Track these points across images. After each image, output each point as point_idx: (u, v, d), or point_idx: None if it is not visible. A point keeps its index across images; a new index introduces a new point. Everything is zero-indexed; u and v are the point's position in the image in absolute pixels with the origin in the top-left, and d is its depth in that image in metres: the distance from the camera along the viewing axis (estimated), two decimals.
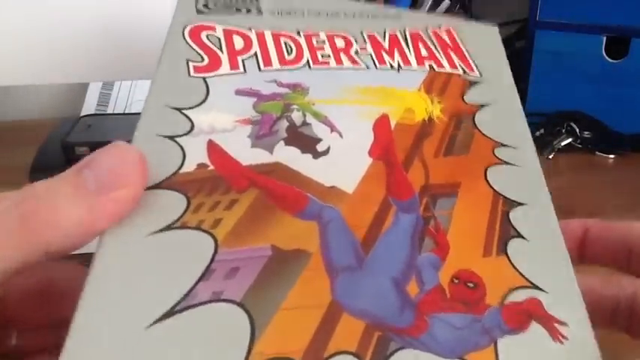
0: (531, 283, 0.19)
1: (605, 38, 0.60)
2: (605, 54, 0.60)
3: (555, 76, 0.62)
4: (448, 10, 0.69)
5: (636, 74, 0.59)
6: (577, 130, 0.61)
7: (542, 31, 0.63)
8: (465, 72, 0.27)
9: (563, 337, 0.18)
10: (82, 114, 0.60)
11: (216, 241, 0.18)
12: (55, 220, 0.16)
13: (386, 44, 0.27)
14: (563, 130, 0.60)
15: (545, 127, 0.60)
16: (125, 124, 0.54)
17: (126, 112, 0.63)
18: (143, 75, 0.47)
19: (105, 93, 0.65)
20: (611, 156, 0.60)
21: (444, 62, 0.27)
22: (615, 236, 0.24)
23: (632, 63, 0.59)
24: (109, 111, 0.63)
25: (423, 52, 0.27)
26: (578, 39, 0.61)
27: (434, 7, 0.68)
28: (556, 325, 0.18)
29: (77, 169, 0.17)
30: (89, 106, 0.63)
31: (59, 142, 0.48)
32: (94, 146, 0.50)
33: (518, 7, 0.76)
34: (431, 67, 0.27)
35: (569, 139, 0.60)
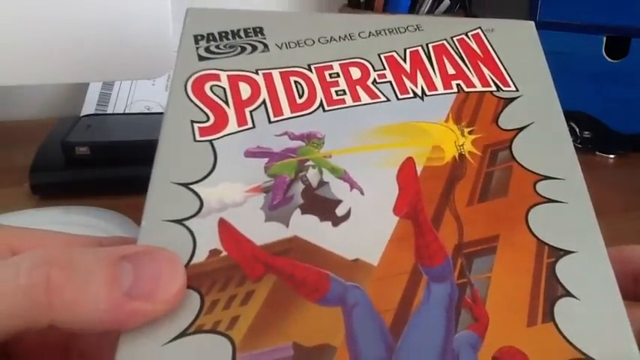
0: (584, 354, 0.17)
1: (605, 38, 0.60)
2: (605, 54, 0.60)
3: (555, 76, 0.62)
4: (448, 10, 0.69)
5: (636, 74, 0.59)
6: (577, 130, 0.61)
7: (542, 31, 0.62)
8: (498, 88, 0.24)
9: None
10: (82, 114, 0.60)
11: (233, 344, 0.17)
12: (76, 305, 0.15)
13: (407, 66, 0.24)
14: None
15: None
16: (125, 124, 0.54)
17: (126, 112, 0.63)
18: (143, 75, 0.47)
19: (105, 93, 0.65)
20: (611, 156, 0.60)
21: (474, 79, 0.24)
22: (616, 262, 0.21)
23: (632, 63, 0.59)
24: (109, 111, 0.63)
25: (450, 71, 0.25)
26: (578, 39, 0.61)
27: (433, 8, 0.68)
28: None
29: (118, 258, 0.16)
30: (89, 106, 0.63)
31: (59, 142, 0.48)
32: (94, 146, 0.49)
33: (518, 7, 0.76)
34: (459, 87, 0.24)
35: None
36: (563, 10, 0.61)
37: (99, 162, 0.48)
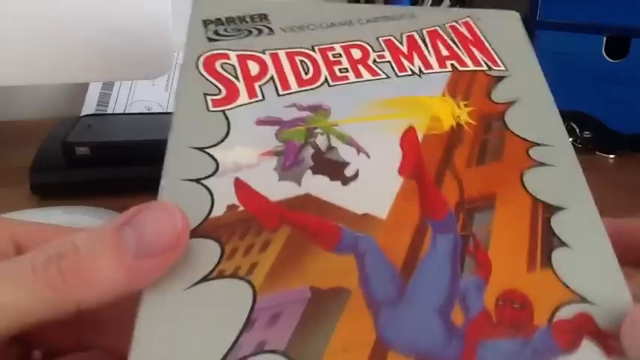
0: (579, 295, 0.19)
1: (605, 38, 0.60)
2: (605, 54, 0.60)
3: (555, 76, 0.62)
4: None
5: (636, 74, 0.59)
6: (577, 130, 0.61)
7: (542, 31, 0.63)
8: (489, 68, 0.26)
9: (617, 353, 0.18)
10: (82, 114, 0.60)
11: (254, 288, 0.18)
12: (93, 280, 0.16)
13: (404, 48, 0.26)
14: None
15: None
16: (125, 124, 0.54)
17: (126, 112, 0.63)
18: (143, 75, 0.47)
19: (105, 93, 0.65)
20: (611, 156, 0.60)
21: (467, 60, 0.26)
22: (625, 233, 0.23)
23: (632, 63, 0.59)
24: (109, 111, 0.63)
25: (444, 52, 0.26)
26: (578, 39, 0.61)
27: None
28: (609, 341, 0.18)
29: (119, 226, 0.17)
30: (89, 106, 0.63)
31: (59, 142, 0.47)
32: (94, 146, 0.49)
33: (518, 7, 0.76)
34: (453, 66, 0.26)
35: (570, 139, 0.60)
36: (563, 10, 0.61)
37: (99, 162, 0.48)
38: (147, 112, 0.64)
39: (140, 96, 0.65)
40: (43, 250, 0.17)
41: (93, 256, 0.16)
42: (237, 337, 0.17)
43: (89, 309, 0.17)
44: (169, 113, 0.66)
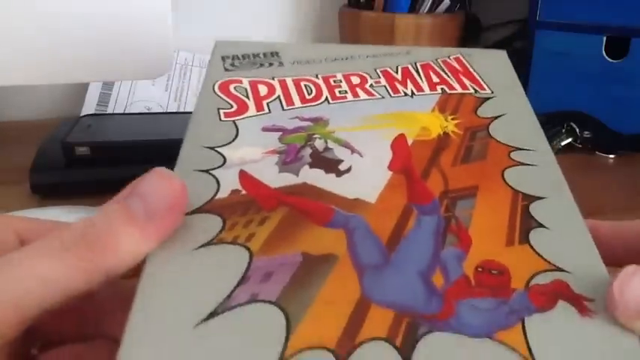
0: (555, 266, 0.20)
1: (605, 38, 0.60)
2: (605, 54, 0.60)
3: (555, 76, 0.62)
4: (448, 10, 0.69)
5: (636, 74, 0.59)
6: (577, 130, 0.60)
7: (542, 31, 0.63)
8: (476, 91, 0.29)
9: (591, 311, 0.18)
10: (82, 114, 0.60)
11: (250, 252, 0.20)
12: (116, 246, 0.18)
13: (399, 76, 0.29)
14: (563, 130, 0.60)
15: (545, 127, 0.60)
16: (125, 124, 0.54)
17: (126, 112, 0.63)
18: (143, 75, 0.47)
19: (105, 93, 0.65)
20: (611, 156, 0.60)
21: (456, 85, 0.29)
22: (625, 235, 0.24)
23: (632, 63, 0.59)
24: (109, 111, 0.63)
25: (435, 79, 0.29)
26: (578, 39, 0.61)
27: (433, 7, 0.68)
28: (584, 302, 0.19)
29: (123, 198, 0.19)
30: (89, 106, 0.63)
31: (59, 142, 0.48)
32: (94, 146, 0.50)
33: (518, 7, 0.76)
34: (443, 90, 0.29)
35: (569, 139, 0.60)
36: (563, 10, 0.61)
37: (99, 162, 0.48)
38: (147, 112, 0.64)
39: (140, 96, 0.65)
40: (66, 230, 0.18)
41: (111, 227, 0.18)
42: (232, 290, 0.18)
43: (116, 276, 0.18)
44: (169, 113, 0.66)
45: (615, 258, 0.23)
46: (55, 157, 0.48)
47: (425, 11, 0.68)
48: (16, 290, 0.17)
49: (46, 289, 0.17)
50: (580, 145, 0.61)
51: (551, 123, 0.60)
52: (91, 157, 0.47)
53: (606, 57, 0.60)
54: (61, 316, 0.21)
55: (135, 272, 0.19)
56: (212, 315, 0.18)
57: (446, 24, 0.68)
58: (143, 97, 0.65)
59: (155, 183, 0.19)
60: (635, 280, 0.18)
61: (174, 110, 0.65)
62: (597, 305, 0.19)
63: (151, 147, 0.47)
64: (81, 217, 0.19)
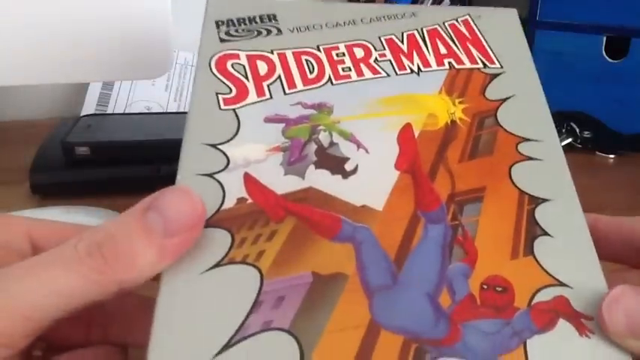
0: (557, 280, 0.20)
1: (605, 38, 0.60)
2: (605, 54, 0.60)
3: (555, 76, 0.62)
4: None
5: (636, 74, 0.59)
6: (577, 130, 0.61)
7: (542, 31, 0.63)
8: (485, 65, 0.28)
9: (589, 331, 0.19)
10: (82, 114, 0.60)
11: (261, 272, 0.19)
12: (133, 262, 0.18)
13: (404, 47, 0.28)
14: (563, 130, 0.60)
15: None
16: (125, 124, 0.54)
17: (126, 112, 0.63)
18: (143, 75, 0.47)
19: (105, 93, 0.65)
20: (611, 156, 0.60)
21: (464, 58, 0.28)
22: (624, 231, 0.24)
23: (632, 63, 0.59)
24: (109, 111, 0.63)
25: (442, 50, 0.28)
26: (578, 39, 0.61)
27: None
28: (583, 320, 0.19)
29: (143, 211, 0.19)
30: (89, 106, 0.63)
31: (59, 142, 0.47)
32: (94, 146, 0.50)
33: (518, 7, 0.76)
34: (451, 64, 0.27)
35: (569, 139, 0.60)
36: (563, 10, 0.61)
37: (99, 162, 0.48)
38: (147, 112, 0.64)
39: (140, 96, 0.65)
40: (81, 240, 0.18)
41: (129, 241, 0.18)
42: (246, 317, 0.18)
43: (129, 289, 0.18)
44: (169, 113, 0.66)
45: (613, 253, 0.24)
46: (55, 157, 0.48)
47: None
48: (27, 302, 0.17)
49: (58, 300, 0.17)
50: (580, 145, 0.61)
51: None
52: (91, 157, 0.47)
53: (606, 57, 0.60)
54: (70, 323, 0.21)
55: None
56: (226, 347, 0.17)
57: None
58: (143, 97, 0.65)
59: (176, 199, 0.19)
60: (622, 301, 0.18)
61: (174, 110, 0.65)
62: (595, 323, 0.19)
63: (151, 147, 0.47)
64: (97, 222, 0.19)
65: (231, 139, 0.23)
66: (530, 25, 0.63)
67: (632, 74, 0.59)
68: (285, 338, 0.18)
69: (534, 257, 0.21)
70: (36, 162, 0.48)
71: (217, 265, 0.19)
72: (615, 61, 0.60)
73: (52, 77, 0.44)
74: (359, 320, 0.18)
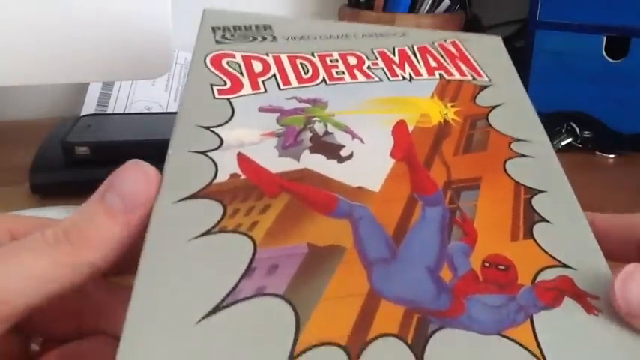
0: (560, 261, 0.20)
1: (605, 38, 0.60)
2: (605, 54, 0.60)
3: (555, 76, 0.62)
4: (448, 10, 0.69)
5: (636, 74, 0.59)
6: (577, 130, 0.60)
7: (542, 31, 0.63)
8: (474, 78, 0.28)
9: (596, 309, 0.19)
10: (82, 114, 0.60)
11: (254, 241, 0.19)
12: (99, 241, 0.18)
13: (396, 59, 0.28)
14: (563, 130, 0.60)
15: (545, 127, 0.60)
16: (125, 124, 0.54)
17: (126, 112, 0.63)
18: (143, 75, 0.47)
19: (105, 93, 0.65)
20: (611, 156, 0.60)
21: (454, 71, 0.28)
22: (622, 228, 0.24)
23: (632, 63, 0.59)
24: (109, 111, 0.63)
25: (432, 63, 0.29)
26: (578, 39, 0.61)
27: (433, 7, 0.68)
28: (589, 299, 0.19)
29: (101, 195, 0.19)
30: (89, 106, 0.63)
31: (59, 142, 0.47)
32: (94, 146, 0.49)
33: (518, 7, 0.76)
34: (441, 75, 0.28)
35: (569, 139, 0.60)
36: (563, 10, 0.61)
37: (99, 162, 0.47)
38: (147, 112, 0.64)
39: (140, 96, 0.65)
40: (48, 229, 0.19)
41: (90, 222, 0.19)
42: (237, 283, 0.17)
43: (100, 271, 0.19)
44: (169, 113, 0.66)
45: (610, 250, 0.24)
46: (55, 157, 0.48)
47: (425, 11, 0.68)
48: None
49: (30, 284, 0.17)
50: (580, 145, 0.61)
51: (551, 123, 0.60)
52: (91, 157, 0.47)
53: (606, 57, 0.60)
54: (60, 316, 0.21)
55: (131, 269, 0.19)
56: (216, 309, 0.17)
57: (446, 24, 0.68)
58: (143, 97, 0.65)
59: (130, 174, 0.20)
60: (635, 278, 0.18)
61: (174, 110, 0.65)
62: (602, 302, 0.19)
63: (151, 147, 0.47)
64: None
65: (225, 123, 0.23)
66: (530, 25, 0.63)
67: (632, 74, 0.59)
68: (279, 303, 0.17)
69: (535, 240, 0.21)
70: (36, 162, 0.48)
71: (208, 232, 0.19)
72: (615, 61, 0.60)
73: (52, 77, 0.44)
74: (358, 289, 0.18)
